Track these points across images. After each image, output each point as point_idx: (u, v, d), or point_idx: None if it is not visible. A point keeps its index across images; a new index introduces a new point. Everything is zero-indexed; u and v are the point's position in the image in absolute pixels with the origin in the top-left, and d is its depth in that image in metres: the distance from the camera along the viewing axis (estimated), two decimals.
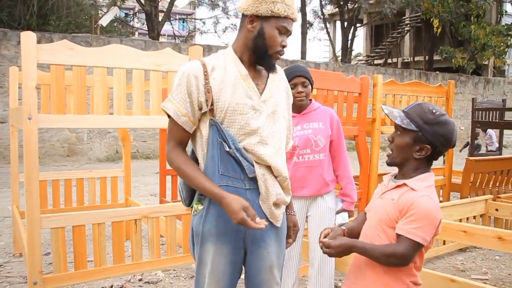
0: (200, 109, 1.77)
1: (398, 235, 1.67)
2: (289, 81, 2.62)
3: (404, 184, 1.73)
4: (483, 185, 5.54)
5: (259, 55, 1.81)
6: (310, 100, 2.87)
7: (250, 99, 1.79)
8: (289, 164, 2.66)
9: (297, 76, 2.73)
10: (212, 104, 1.75)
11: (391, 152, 1.81)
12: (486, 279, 3.96)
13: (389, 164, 1.83)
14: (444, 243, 4.44)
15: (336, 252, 1.72)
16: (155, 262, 3.19)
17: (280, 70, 1.99)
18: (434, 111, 1.73)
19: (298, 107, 2.78)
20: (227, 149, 1.75)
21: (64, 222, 2.87)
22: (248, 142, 1.79)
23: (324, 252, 1.74)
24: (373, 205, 1.87)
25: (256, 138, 1.79)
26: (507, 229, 4.65)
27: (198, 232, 1.84)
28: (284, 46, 1.82)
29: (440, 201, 5.46)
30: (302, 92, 2.74)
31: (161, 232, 3.31)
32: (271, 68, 1.88)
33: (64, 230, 2.89)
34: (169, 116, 1.80)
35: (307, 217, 2.84)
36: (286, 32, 1.81)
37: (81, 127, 2.92)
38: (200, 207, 1.84)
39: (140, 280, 3.77)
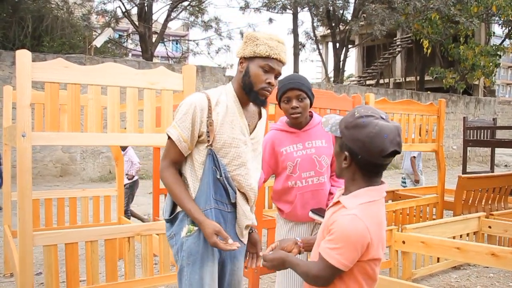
0: (199, 137, 1.97)
1: (319, 254, 1.56)
2: (282, 95, 2.48)
3: (339, 201, 1.60)
4: (476, 202, 5.56)
5: (247, 91, 1.99)
6: (311, 114, 2.59)
7: (243, 135, 2.02)
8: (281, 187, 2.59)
9: (291, 89, 2.42)
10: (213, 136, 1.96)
11: None
12: None
13: (335, 175, 1.75)
14: (438, 261, 4.45)
15: (271, 265, 1.69)
16: (148, 281, 3.16)
17: (265, 113, 2.18)
18: (356, 113, 1.53)
19: (297, 123, 2.53)
20: (218, 176, 1.97)
21: (56, 239, 2.85)
22: (238, 173, 2.01)
23: (262, 265, 1.72)
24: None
25: (245, 170, 2.03)
26: (500, 246, 4.67)
27: (196, 252, 1.95)
28: (270, 83, 1.97)
29: (433, 219, 5.48)
30: (297, 107, 2.43)
31: (154, 251, 3.29)
32: (260, 104, 2.03)
33: (57, 248, 2.87)
34: (169, 138, 1.97)
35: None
36: (271, 71, 1.97)
37: (74, 144, 2.92)
38: (195, 228, 1.95)
39: None
